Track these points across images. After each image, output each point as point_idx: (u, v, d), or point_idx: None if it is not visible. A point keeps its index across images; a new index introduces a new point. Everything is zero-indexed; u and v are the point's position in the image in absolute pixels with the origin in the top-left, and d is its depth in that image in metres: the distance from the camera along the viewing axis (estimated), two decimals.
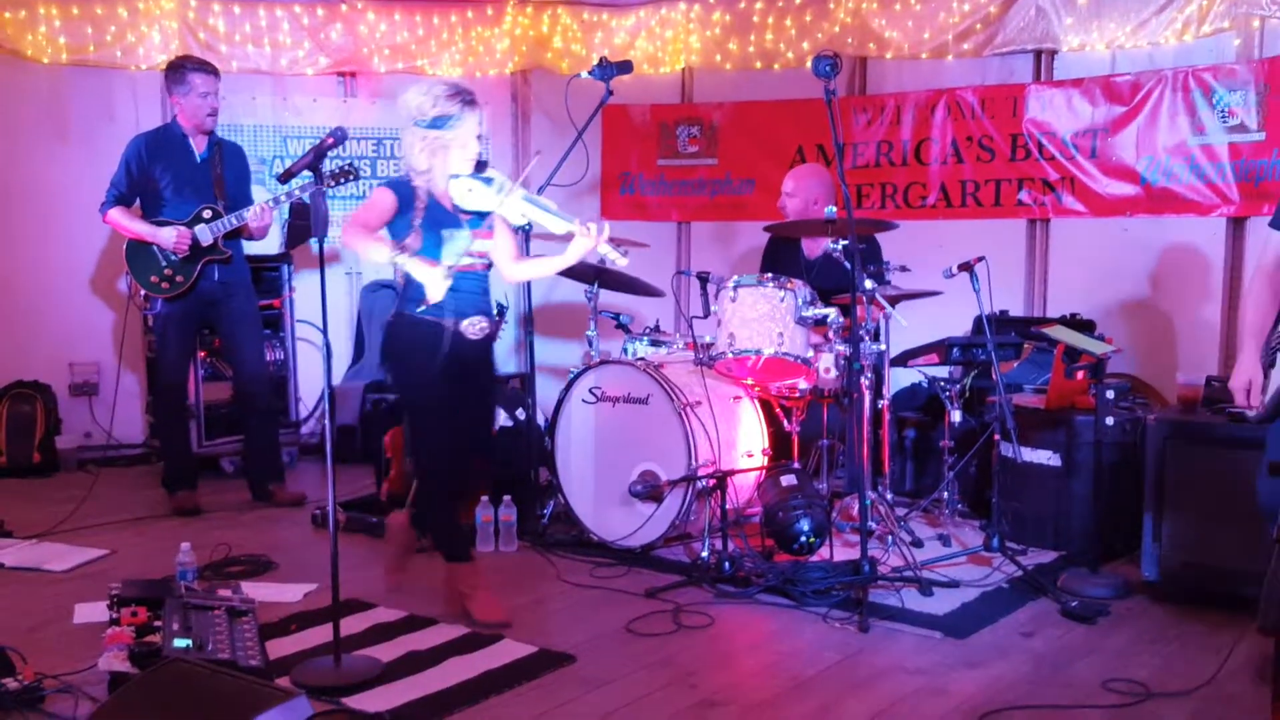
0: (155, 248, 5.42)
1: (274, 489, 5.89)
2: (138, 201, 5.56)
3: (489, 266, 4.14)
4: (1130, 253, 5.94)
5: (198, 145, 5.62)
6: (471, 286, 4.06)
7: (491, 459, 4.73)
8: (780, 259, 5.77)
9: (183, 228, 5.38)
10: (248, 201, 5.62)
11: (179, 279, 5.46)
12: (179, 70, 5.60)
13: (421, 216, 3.95)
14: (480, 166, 3.96)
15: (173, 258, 5.42)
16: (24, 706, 3.21)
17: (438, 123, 3.88)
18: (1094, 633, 4.07)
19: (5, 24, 6.53)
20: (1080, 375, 4.91)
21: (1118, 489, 4.64)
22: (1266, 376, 3.23)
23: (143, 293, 5.68)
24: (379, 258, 3.89)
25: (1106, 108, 5.97)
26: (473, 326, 4.04)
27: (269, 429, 6.00)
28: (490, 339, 4.21)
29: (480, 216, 4.02)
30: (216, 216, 5.46)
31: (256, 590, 4.30)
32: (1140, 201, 5.90)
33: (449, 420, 4.10)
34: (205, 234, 5.44)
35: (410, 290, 3.99)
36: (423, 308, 3.87)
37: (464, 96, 3.95)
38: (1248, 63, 5.51)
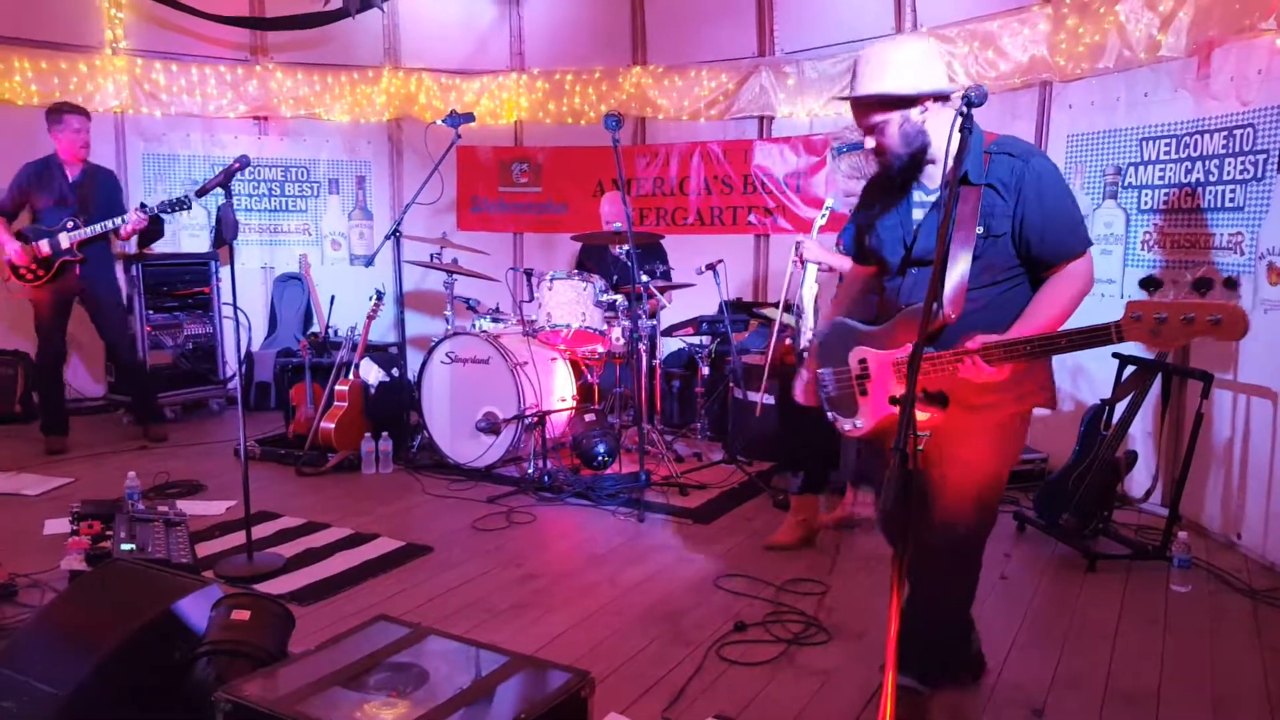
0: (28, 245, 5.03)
1: (149, 427, 5.48)
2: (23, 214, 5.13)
3: None
4: None
5: (71, 172, 5.14)
6: None
7: None
8: (594, 258, 5.75)
9: (18, 246, 4.99)
10: (115, 212, 5.17)
11: (40, 272, 5.03)
12: (58, 113, 5.10)
13: None
14: None
15: (36, 256, 5.01)
16: (1, 600, 3.01)
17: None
18: None
19: None
20: (788, 341, 5.05)
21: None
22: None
23: (12, 279, 5.12)
24: None
25: (806, 157, 6.13)
26: None
27: (139, 380, 5.54)
28: None
29: None
30: (77, 228, 5.03)
31: (189, 506, 4.09)
32: (828, 223, 6.07)
33: None
34: (64, 240, 5.02)
35: None
36: None
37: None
38: None
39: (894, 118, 2.14)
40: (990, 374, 2.00)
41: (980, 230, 2.11)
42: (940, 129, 2.13)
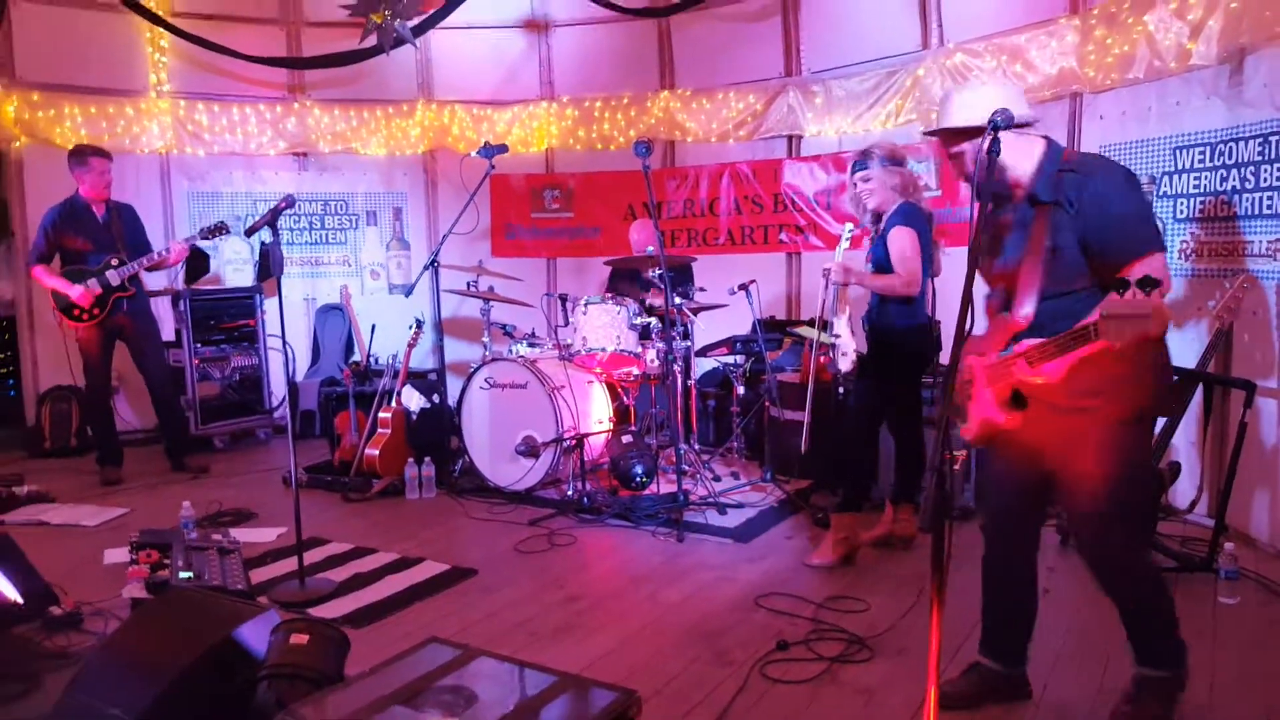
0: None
1: (187, 460, 5.59)
2: (58, 257, 5.25)
3: None
4: None
5: (98, 210, 5.27)
6: None
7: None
8: (625, 281, 5.81)
9: (82, 289, 5.09)
10: (143, 245, 5.33)
11: (95, 310, 5.17)
12: (81, 155, 5.23)
13: None
14: None
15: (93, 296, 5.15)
16: (67, 627, 3.15)
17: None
18: None
19: (38, 121, 6.19)
20: (823, 359, 5.07)
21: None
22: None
23: (65, 320, 5.24)
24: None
25: (835, 175, 6.14)
26: None
27: (175, 416, 5.66)
28: None
29: None
30: (122, 264, 5.17)
31: (241, 534, 4.19)
32: (859, 240, 6.08)
33: None
34: (114, 277, 5.16)
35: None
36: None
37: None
38: (929, 143, 5.68)
39: (967, 148, 2.39)
40: (1032, 374, 2.20)
41: (1049, 244, 2.28)
42: (1013, 154, 2.32)
